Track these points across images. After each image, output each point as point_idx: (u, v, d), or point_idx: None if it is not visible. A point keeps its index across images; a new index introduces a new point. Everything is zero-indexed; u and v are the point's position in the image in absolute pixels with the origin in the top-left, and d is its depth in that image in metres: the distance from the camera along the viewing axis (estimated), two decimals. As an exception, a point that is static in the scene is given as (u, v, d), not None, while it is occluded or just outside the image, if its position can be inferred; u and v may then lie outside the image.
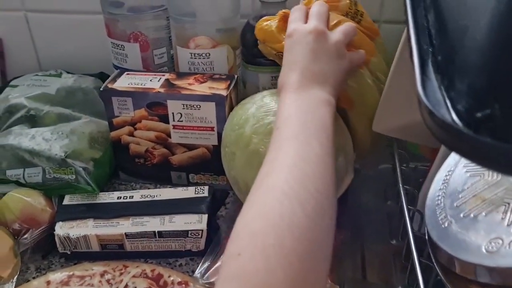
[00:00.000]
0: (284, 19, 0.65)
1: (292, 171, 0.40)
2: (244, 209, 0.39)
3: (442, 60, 0.31)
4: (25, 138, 0.71)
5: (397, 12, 0.81)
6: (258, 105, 0.63)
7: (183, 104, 0.69)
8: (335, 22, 0.62)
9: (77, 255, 0.65)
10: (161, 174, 0.77)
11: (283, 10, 0.65)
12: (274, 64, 0.70)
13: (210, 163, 0.73)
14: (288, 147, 0.44)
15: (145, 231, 0.63)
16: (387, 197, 0.75)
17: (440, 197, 0.41)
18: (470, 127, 0.25)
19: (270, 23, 0.66)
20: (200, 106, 0.69)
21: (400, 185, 0.57)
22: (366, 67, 0.65)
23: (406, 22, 0.36)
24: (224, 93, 0.68)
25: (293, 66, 0.55)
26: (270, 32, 0.65)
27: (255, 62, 0.75)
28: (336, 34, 0.57)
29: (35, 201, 0.66)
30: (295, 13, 0.60)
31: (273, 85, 0.77)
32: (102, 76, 0.83)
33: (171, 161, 0.75)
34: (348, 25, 0.60)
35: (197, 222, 0.63)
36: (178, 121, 0.71)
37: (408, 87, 0.60)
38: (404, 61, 0.57)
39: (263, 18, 0.67)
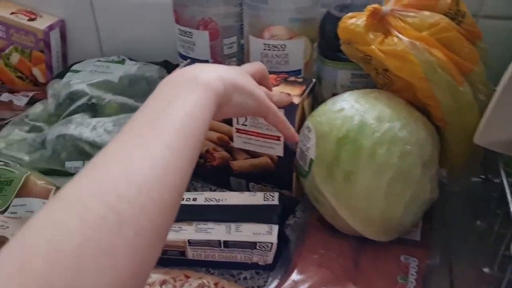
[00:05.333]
0: (374, 16, 0.57)
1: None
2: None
3: None
4: (86, 128, 0.67)
5: (500, 4, 0.71)
6: (359, 110, 0.55)
7: None
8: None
9: (135, 258, 0.60)
10: (220, 177, 0.71)
11: (372, 5, 0.57)
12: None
13: (273, 174, 0.67)
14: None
15: (210, 240, 0.57)
16: (476, 216, 0.66)
17: None
18: None
19: (356, 21, 0.59)
20: None
21: (511, 205, 0.49)
22: (466, 79, 0.56)
23: None
24: (296, 100, 0.61)
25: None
26: (357, 33, 0.58)
27: (335, 57, 0.68)
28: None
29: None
30: None
31: (352, 83, 0.69)
32: (167, 65, 0.79)
33: (232, 166, 0.69)
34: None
35: (266, 233, 0.57)
36: (242, 124, 0.64)
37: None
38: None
39: (347, 15, 0.60)
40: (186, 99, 0.40)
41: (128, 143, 0.35)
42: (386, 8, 0.57)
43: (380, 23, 0.58)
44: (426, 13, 0.57)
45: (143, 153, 0.33)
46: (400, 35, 0.55)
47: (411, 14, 0.57)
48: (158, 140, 0.35)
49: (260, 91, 0.51)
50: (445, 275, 0.58)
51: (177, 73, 0.45)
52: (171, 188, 0.33)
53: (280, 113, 0.53)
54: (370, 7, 0.57)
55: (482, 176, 0.71)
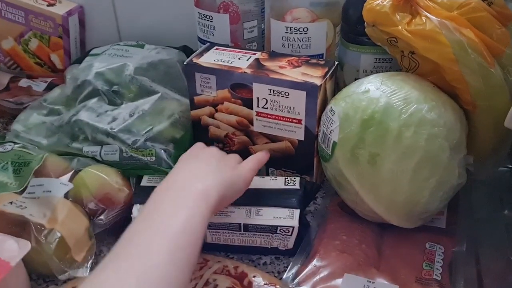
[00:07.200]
0: (401, -3, 0.56)
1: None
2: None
3: None
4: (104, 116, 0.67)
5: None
6: (385, 92, 0.54)
7: (270, 90, 0.61)
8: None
9: (153, 242, 0.59)
10: (240, 163, 0.70)
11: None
12: (379, 44, 0.62)
13: (293, 159, 0.65)
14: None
15: (230, 223, 0.56)
16: (504, 205, 0.64)
17: None
18: None
19: (382, 2, 0.57)
20: (288, 94, 0.60)
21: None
22: (497, 62, 0.54)
23: None
24: (317, 82, 0.59)
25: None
26: (383, 14, 0.56)
27: (357, 41, 0.67)
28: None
29: (112, 179, 0.61)
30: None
31: (376, 68, 0.68)
32: (186, 50, 0.78)
33: (251, 150, 0.68)
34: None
35: (287, 217, 0.56)
36: (262, 107, 0.63)
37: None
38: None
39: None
40: (185, 214, 0.44)
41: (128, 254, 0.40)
42: (413, -13, 0.55)
43: (407, 3, 0.56)
44: None
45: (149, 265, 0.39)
46: (429, 15, 0.54)
47: (440, -6, 0.55)
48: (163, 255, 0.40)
49: (242, 172, 0.55)
50: (472, 264, 0.56)
51: (172, 180, 0.49)
52: None
53: (255, 159, 0.58)
54: (396, -13, 0.56)
55: (510, 166, 0.69)
